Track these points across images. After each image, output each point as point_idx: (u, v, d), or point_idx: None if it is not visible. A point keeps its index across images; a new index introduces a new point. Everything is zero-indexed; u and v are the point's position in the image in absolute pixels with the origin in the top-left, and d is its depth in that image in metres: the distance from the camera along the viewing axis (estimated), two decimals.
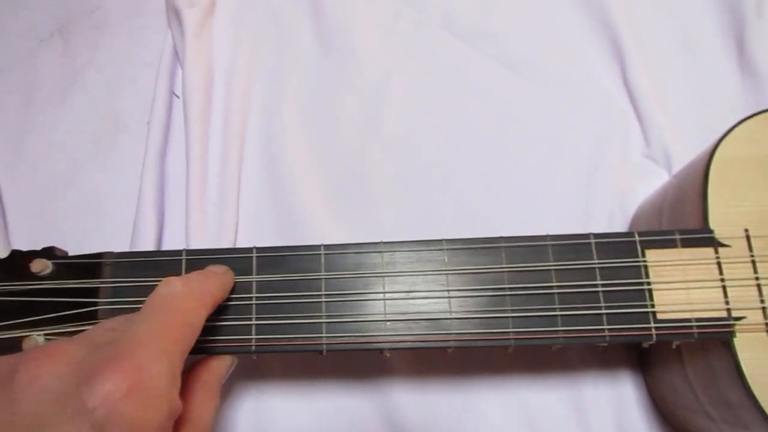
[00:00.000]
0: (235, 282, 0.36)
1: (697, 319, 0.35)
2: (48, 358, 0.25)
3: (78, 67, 0.55)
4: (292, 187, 0.50)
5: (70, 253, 0.38)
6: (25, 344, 0.35)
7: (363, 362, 0.45)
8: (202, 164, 0.49)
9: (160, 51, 0.54)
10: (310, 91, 0.54)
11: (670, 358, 0.40)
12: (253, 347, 0.35)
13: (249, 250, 0.37)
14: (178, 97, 0.53)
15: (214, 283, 0.33)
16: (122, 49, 0.56)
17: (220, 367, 0.34)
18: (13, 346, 0.35)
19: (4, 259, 0.38)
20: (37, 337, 0.35)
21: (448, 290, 0.36)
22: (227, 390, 0.44)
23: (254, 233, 0.49)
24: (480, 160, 0.51)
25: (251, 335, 0.35)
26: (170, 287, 0.30)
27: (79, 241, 0.39)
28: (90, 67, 0.55)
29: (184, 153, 0.51)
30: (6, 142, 0.53)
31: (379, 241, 0.37)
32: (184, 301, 0.29)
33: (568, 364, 0.45)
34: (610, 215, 0.49)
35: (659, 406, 0.44)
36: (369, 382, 0.44)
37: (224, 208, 0.48)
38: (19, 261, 0.37)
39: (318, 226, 0.48)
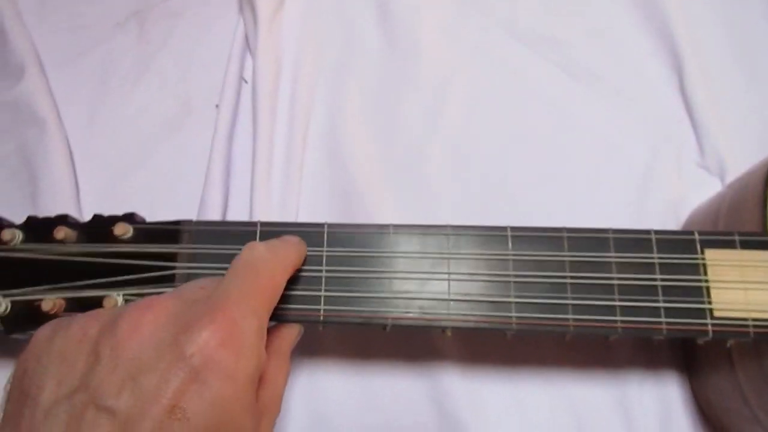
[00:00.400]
0: (307, 255, 0.37)
1: (754, 319, 0.35)
2: (147, 309, 0.27)
3: (152, 51, 0.58)
4: (352, 175, 0.51)
5: None
6: (106, 303, 0.37)
7: (415, 346, 0.46)
8: (268, 147, 0.51)
9: (230, 38, 0.56)
10: (374, 85, 0.55)
11: (719, 361, 0.40)
12: (321, 317, 0.36)
13: (321, 225, 0.38)
14: (246, 82, 0.55)
15: (292, 249, 0.34)
16: (194, 35, 0.58)
17: (290, 334, 0.36)
18: (94, 305, 0.37)
19: (87, 222, 0.40)
20: (116, 296, 0.37)
21: (510, 274, 0.37)
22: None
23: (313, 217, 0.50)
24: (536, 163, 0.52)
25: (320, 306, 0.36)
26: (255, 251, 0.31)
27: (147, 215, 0.41)
28: (163, 52, 0.58)
29: (250, 136, 0.53)
30: (81, 121, 0.55)
31: (445, 224, 0.38)
32: (268, 264, 0.31)
33: (616, 362, 0.46)
34: (663, 222, 0.49)
35: (705, 409, 0.44)
36: (421, 365, 0.45)
37: (287, 190, 0.50)
38: (101, 225, 0.39)
39: (375, 216, 0.49)
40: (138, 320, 0.26)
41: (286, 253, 0.34)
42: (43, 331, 0.28)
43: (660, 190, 0.50)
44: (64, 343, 0.27)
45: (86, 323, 0.28)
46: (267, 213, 0.49)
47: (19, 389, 0.26)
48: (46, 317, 0.37)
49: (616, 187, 0.51)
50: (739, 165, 0.49)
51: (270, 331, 0.35)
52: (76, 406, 0.24)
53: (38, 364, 0.27)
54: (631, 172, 0.51)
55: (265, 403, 0.30)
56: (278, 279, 0.32)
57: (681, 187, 0.50)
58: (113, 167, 0.53)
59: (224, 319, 0.26)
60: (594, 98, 0.54)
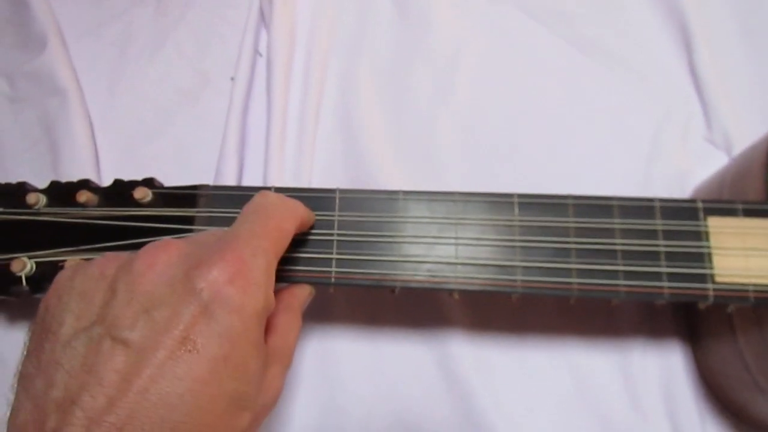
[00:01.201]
0: (318, 218, 0.39)
1: (755, 285, 0.36)
2: (162, 249, 0.28)
3: (169, 23, 0.59)
4: (364, 146, 0.52)
5: None
6: None
7: (424, 312, 0.47)
8: (281, 119, 0.52)
9: (246, 12, 0.57)
10: (386, 58, 0.56)
11: (720, 328, 0.41)
12: (332, 279, 0.37)
13: (332, 190, 0.39)
14: (261, 55, 0.56)
15: (302, 206, 0.36)
16: (211, 8, 0.59)
17: (301, 293, 0.37)
18: None
19: (108, 187, 0.41)
20: None
21: (516, 239, 0.38)
22: None
23: (326, 186, 0.51)
24: (544, 136, 0.53)
25: (331, 268, 0.38)
26: (266, 197, 0.33)
27: (164, 184, 0.42)
28: (181, 24, 0.59)
29: (264, 108, 0.54)
30: (101, 90, 0.56)
31: (453, 191, 0.39)
32: (278, 209, 0.33)
33: (619, 330, 0.47)
34: (668, 195, 0.50)
35: (706, 377, 0.45)
36: (429, 331, 0.47)
37: (300, 161, 0.51)
38: (121, 189, 0.41)
39: (386, 186, 0.50)
40: (153, 259, 0.28)
41: (296, 205, 0.35)
42: (65, 273, 0.30)
43: (666, 164, 0.51)
44: (83, 281, 0.28)
45: (105, 263, 0.29)
46: (280, 183, 0.50)
47: (41, 326, 0.28)
48: None
49: (622, 160, 0.51)
50: (746, 139, 0.49)
51: (282, 289, 0.37)
52: (93, 338, 0.26)
53: (59, 301, 0.28)
54: (638, 146, 0.52)
55: (274, 351, 0.32)
56: (287, 225, 0.33)
57: (687, 161, 0.51)
58: (131, 137, 0.55)
59: (233, 257, 0.28)
60: (602, 72, 0.54)
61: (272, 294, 0.30)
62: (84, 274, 0.29)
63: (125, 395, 0.24)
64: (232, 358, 0.26)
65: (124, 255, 0.30)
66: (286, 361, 0.33)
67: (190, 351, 0.25)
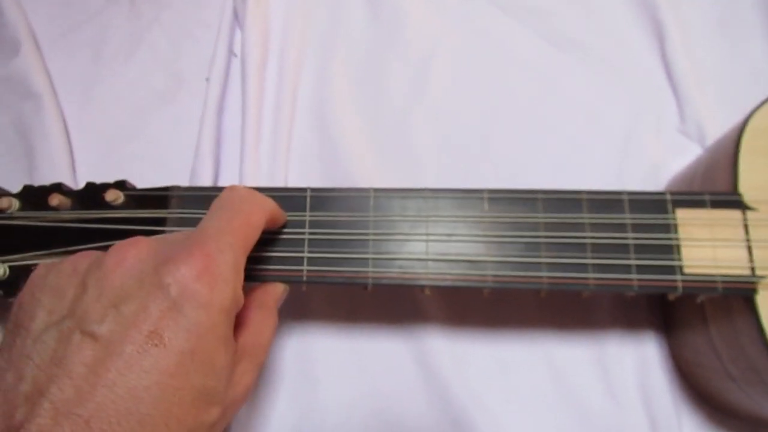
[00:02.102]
0: (290, 218, 0.39)
1: (722, 275, 0.37)
2: (132, 246, 0.29)
3: (143, 25, 0.59)
4: (339, 145, 0.52)
5: None
6: None
7: (400, 308, 0.48)
8: (256, 119, 0.52)
9: (220, 12, 0.57)
10: (360, 56, 0.56)
11: (693, 319, 0.42)
12: (304, 278, 0.38)
13: (304, 189, 0.40)
14: (236, 56, 0.56)
15: (272, 202, 0.36)
16: (185, 9, 0.59)
17: (275, 290, 0.37)
18: None
19: (80, 190, 0.41)
20: None
21: (486, 235, 0.38)
22: None
23: (301, 185, 0.52)
24: (519, 131, 0.53)
25: (303, 266, 0.38)
26: (234, 191, 0.33)
27: (140, 186, 0.43)
28: (155, 26, 0.59)
29: (239, 108, 0.54)
30: (76, 94, 0.56)
31: (424, 187, 0.39)
32: (247, 204, 0.33)
33: (595, 322, 0.47)
34: (644, 187, 0.50)
35: (681, 367, 0.46)
36: (406, 327, 0.47)
37: (275, 160, 0.51)
38: (93, 192, 0.41)
39: (361, 184, 0.51)
40: (122, 255, 0.28)
41: (265, 199, 0.35)
42: (39, 270, 0.30)
43: (641, 156, 0.51)
44: (56, 277, 0.29)
45: (77, 260, 0.30)
46: (256, 183, 0.50)
47: (13, 322, 0.28)
48: None
49: (597, 153, 0.52)
50: (719, 131, 0.49)
51: (256, 287, 0.37)
52: (63, 331, 0.26)
53: (32, 297, 0.29)
54: (612, 139, 0.52)
55: (245, 347, 0.32)
56: (256, 218, 0.33)
57: (661, 153, 0.51)
58: (107, 140, 0.55)
59: (201, 253, 0.28)
60: (576, 66, 0.55)
61: (240, 290, 0.30)
62: (57, 271, 0.29)
63: (93, 388, 0.24)
64: (199, 353, 0.27)
65: (95, 252, 0.30)
66: (259, 357, 0.33)
67: (157, 345, 0.26)
